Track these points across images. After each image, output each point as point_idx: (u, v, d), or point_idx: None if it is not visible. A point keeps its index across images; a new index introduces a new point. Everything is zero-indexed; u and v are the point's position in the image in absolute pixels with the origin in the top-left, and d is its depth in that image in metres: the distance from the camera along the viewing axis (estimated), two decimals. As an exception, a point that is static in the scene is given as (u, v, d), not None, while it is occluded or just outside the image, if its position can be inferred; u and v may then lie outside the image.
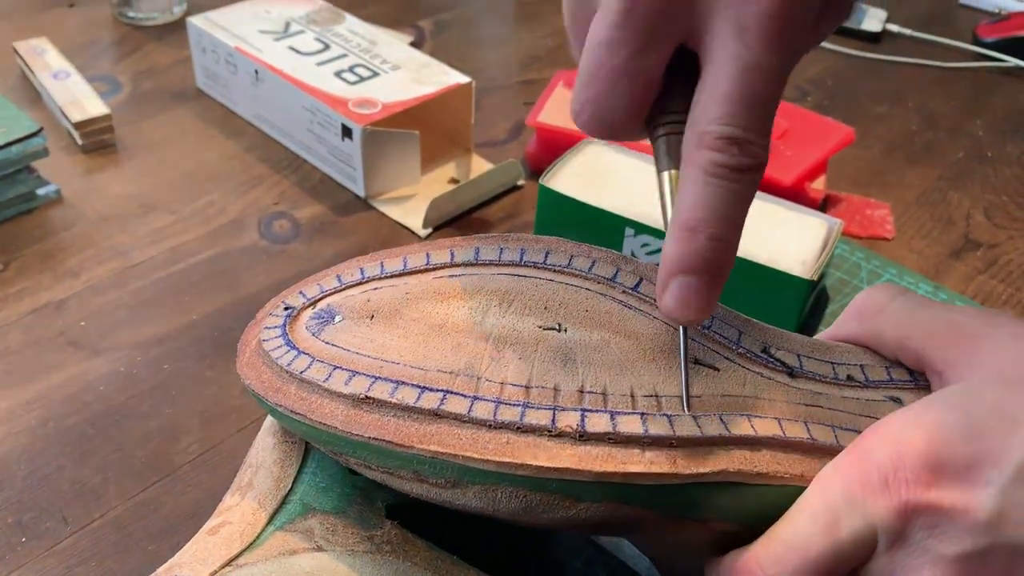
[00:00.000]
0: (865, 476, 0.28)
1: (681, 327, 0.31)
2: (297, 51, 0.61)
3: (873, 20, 0.83)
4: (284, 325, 0.33)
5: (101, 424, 0.43)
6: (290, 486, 0.32)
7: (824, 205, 0.60)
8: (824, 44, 0.81)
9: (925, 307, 0.32)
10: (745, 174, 0.27)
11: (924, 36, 0.83)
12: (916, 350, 0.32)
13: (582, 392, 0.31)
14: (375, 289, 0.34)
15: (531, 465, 0.30)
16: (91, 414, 0.43)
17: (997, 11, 0.87)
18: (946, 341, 0.31)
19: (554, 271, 0.34)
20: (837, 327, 0.35)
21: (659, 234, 0.49)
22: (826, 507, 0.29)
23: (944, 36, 0.83)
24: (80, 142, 0.59)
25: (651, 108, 0.30)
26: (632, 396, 0.31)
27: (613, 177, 0.53)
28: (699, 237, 0.28)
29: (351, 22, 0.65)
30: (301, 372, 0.31)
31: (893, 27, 0.83)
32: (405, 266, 0.35)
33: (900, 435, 0.28)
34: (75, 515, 0.39)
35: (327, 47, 0.61)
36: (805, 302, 0.48)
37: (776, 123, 0.56)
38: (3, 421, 0.42)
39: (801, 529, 0.29)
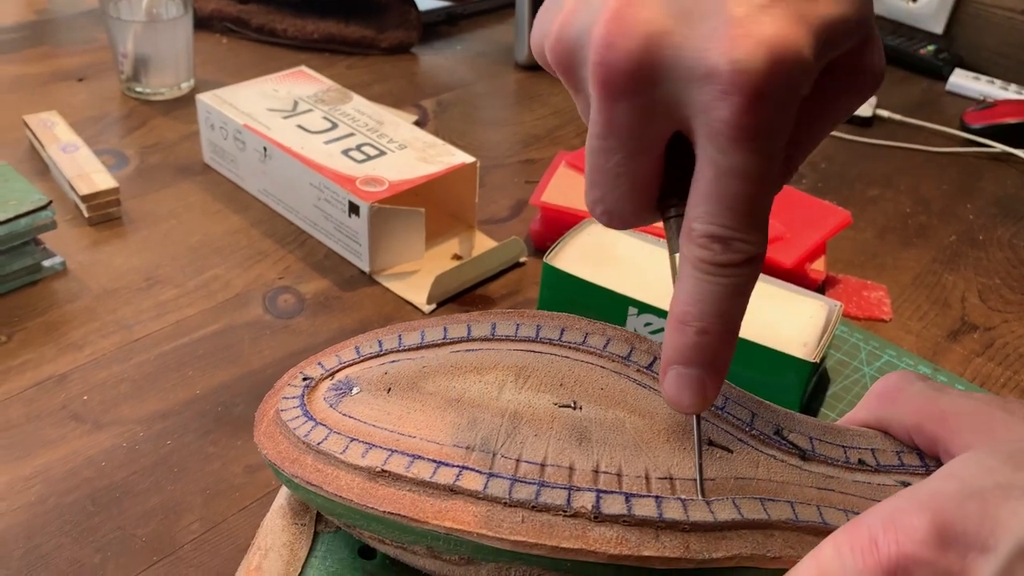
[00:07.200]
0: (855, 538, 0.28)
1: (694, 415, 0.31)
2: (305, 129, 0.62)
3: (864, 105, 0.85)
4: (302, 396, 0.33)
5: (102, 501, 0.42)
6: (300, 570, 0.31)
7: (823, 287, 0.61)
8: (816, 128, 0.83)
9: (942, 392, 0.33)
10: (734, 269, 0.27)
11: (913, 121, 0.85)
12: (932, 433, 0.32)
13: (597, 472, 0.31)
14: (393, 362, 0.34)
15: (545, 545, 0.29)
16: (92, 490, 0.42)
17: (983, 99, 0.90)
18: (962, 425, 0.31)
19: (569, 348, 0.34)
20: (857, 410, 0.36)
21: (662, 313, 0.50)
22: (816, 566, 0.28)
23: (932, 122, 0.85)
24: (87, 215, 0.60)
25: (660, 190, 0.30)
26: (647, 478, 0.31)
27: (616, 256, 0.54)
28: (688, 331, 0.28)
29: (358, 102, 0.66)
30: (318, 443, 0.31)
31: (883, 112, 0.86)
32: (423, 340, 0.35)
33: (894, 502, 0.28)
34: (73, 595, 0.38)
35: (335, 126, 0.63)
36: (807, 384, 0.48)
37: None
38: (2, 497, 0.42)
39: None
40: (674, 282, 0.31)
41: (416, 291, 0.57)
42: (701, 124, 0.27)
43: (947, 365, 0.56)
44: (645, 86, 0.27)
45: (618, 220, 0.30)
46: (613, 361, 0.34)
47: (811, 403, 0.52)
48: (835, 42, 0.27)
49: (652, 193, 0.30)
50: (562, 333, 0.35)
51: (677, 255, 0.30)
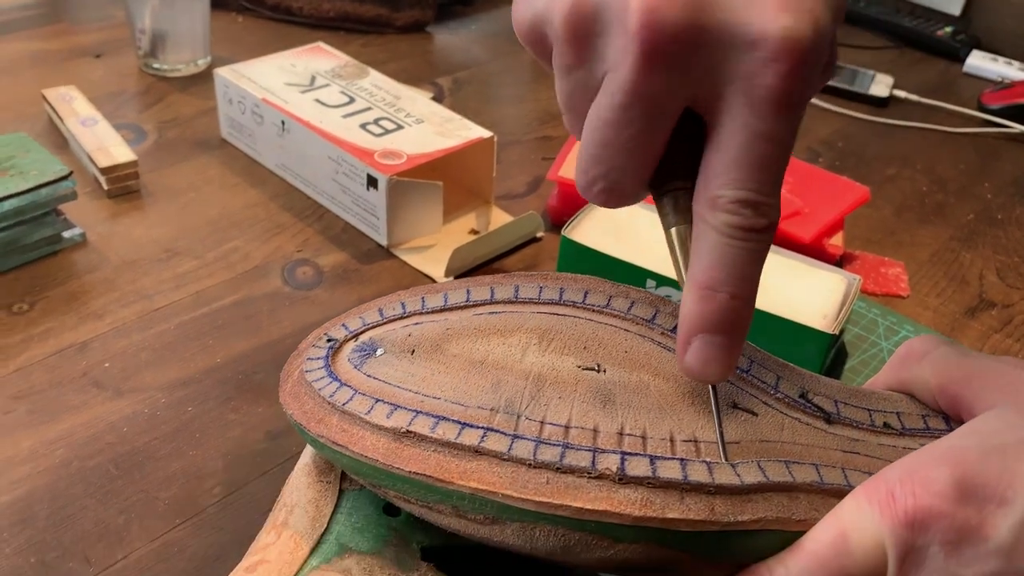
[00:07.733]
0: (874, 492, 0.28)
1: (710, 385, 0.31)
2: (323, 103, 0.62)
3: (880, 85, 0.85)
4: (327, 357, 0.34)
5: (125, 465, 0.42)
6: (326, 525, 0.32)
7: (840, 263, 0.61)
8: (834, 107, 0.82)
9: (967, 355, 0.33)
10: (760, 233, 0.28)
11: (930, 102, 0.85)
12: (956, 394, 0.32)
13: (621, 434, 0.31)
14: (416, 324, 0.34)
15: (570, 506, 0.29)
16: (114, 455, 0.43)
17: (1001, 79, 0.89)
18: (987, 385, 0.31)
19: (593, 311, 0.34)
20: (881, 373, 0.36)
21: (680, 286, 0.50)
22: (836, 521, 0.29)
23: (949, 102, 0.85)
24: (106, 187, 0.60)
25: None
26: (671, 440, 0.31)
27: (633, 229, 0.54)
28: (719, 296, 0.28)
29: (375, 77, 0.66)
30: (343, 404, 0.31)
31: (900, 93, 0.85)
32: (446, 302, 0.35)
33: (914, 457, 0.28)
34: (98, 556, 0.38)
35: (352, 100, 0.63)
36: (826, 356, 0.48)
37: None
38: (26, 460, 0.42)
39: (809, 547, 0.29)
40: (673, 257, 0.31)
41: (433, 264, 0.57)
42: (738, 90, 0.27)
43: (965, 341, 0.56)
44: (689, 52, 0.27)
45: (617, 197, 0.30)
46: (637, 324, 0.34)
47: (829, 376, 0.52)
48: (837, 23, 0.28)
49: (653, 167, 0.30)
50: (585, 296, 0.35)
51: (674, 229, 0.30)
